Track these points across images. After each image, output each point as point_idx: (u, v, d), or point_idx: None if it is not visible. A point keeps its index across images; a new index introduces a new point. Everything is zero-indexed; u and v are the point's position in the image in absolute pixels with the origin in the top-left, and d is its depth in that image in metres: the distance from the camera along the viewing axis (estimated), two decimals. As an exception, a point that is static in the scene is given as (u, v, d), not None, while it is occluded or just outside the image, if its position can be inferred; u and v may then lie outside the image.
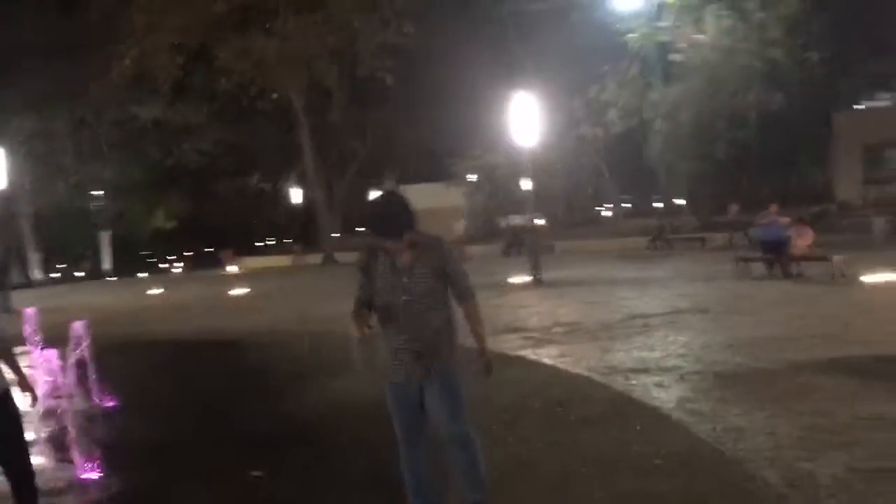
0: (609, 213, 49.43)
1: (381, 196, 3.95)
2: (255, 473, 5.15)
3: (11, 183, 25.50)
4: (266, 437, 6.05)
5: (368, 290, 3.86)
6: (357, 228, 39.99)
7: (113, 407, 7.49)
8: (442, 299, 3.87)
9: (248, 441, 5.99)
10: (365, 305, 3.88)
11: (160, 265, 47.25)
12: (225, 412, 7.09)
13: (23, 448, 4.26)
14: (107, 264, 44.64)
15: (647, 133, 31.53)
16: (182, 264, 44.15)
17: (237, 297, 20.31)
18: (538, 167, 24.07)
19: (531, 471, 4.91)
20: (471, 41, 35.40)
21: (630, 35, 29.50)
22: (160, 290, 25.19)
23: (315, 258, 36.71)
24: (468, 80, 34.84)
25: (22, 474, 4.19)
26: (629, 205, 52.99)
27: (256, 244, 53.76)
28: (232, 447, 5.91)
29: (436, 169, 41.25)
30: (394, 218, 3.74)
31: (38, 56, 34.17)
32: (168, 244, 49.43)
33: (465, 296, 3.94)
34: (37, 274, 40.87)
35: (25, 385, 4.38)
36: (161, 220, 48.66)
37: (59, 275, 43.87)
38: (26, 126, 36.95)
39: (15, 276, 34.69)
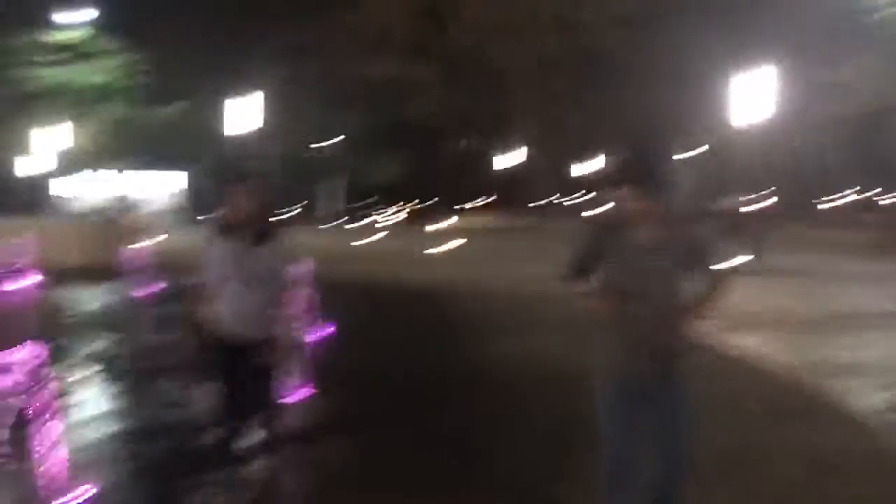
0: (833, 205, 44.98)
1: (641, 141, 3.51)
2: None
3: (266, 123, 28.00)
4: (461, 382, 6.68)
5: (590, 262, 3.25)
6: (565, 198, 39.99)
7: (330, 335, 8.30)
8: (682, 287, 3.22)
9: (446, 384, 6.63)
10: (582, 276, 3.30)
11: (380, 215, 49.65)
12: (431, 356, 7.86)
13: (270, 390, 4.34)
14: (332, 211, 47.88)
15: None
16: (401, 216, 46.11)
17: (450, 251, 21.16)
18: (764, 147, 22.75)
19: (744, 468, 4.70)
20: (697, 10, 33.86)
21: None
22: (379, 237, 26.74)
23: (527, 221, 37.30)
24: (694, 53, 33.47)
25: (262, 406, 4.30)
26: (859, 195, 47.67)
27: (470, 204, 54.98)
28: (433, 387, 6.55)
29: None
30: (652, 169, 3.10)
31: (289, 9, 37.45)
32: (390, 196, 51.74)
33: (714, 277, 3.26)
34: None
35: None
36: (386, 173, 50.81)
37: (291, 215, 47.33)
38: (279, 74, 40.50)
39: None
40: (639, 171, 3.08)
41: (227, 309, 4.14)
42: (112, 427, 5.72)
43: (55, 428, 4.14)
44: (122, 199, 37.70)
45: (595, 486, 3.47)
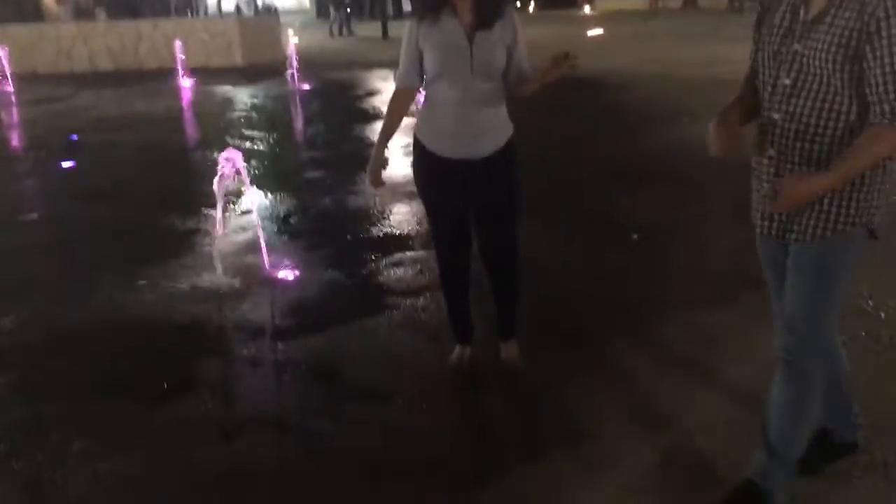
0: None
1: None
2: (634, 236, 5.36)
3: None
4: (624, 173, 6.87)
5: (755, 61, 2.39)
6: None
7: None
8: (845, 106, 2.16)
9: (607, 174, 6.88)
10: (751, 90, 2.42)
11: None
12: (585, 146, 8.09)
13: (514, 215, 3.35)
14: None
15: None
16: (534, 3, 41.12)
17: (593, 38, 20.67)
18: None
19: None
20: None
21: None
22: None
23: (673, 2, 34.75)
24: None
25: (505, 251, 3.41)
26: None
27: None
28: (592, 177, 6.79)
29: None
30: None
31: None
32: None
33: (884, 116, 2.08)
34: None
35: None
36: None
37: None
38: None
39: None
40: None
41: (443, 117, 3.19)
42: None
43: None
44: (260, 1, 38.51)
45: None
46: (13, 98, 13.56)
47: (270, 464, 3.01)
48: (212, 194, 4.82)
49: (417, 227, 5.60)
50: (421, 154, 3.29)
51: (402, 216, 5.92)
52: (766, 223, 2.39)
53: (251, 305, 4.39)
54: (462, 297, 3.55)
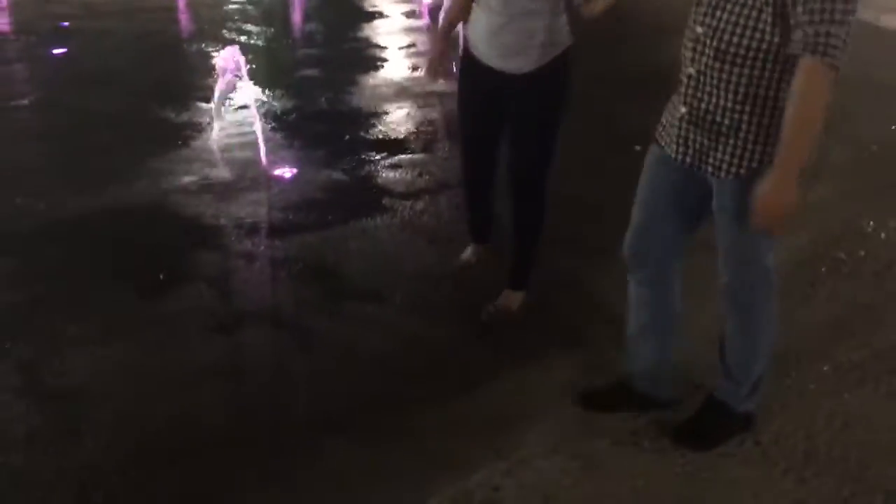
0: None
1: None
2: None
3: None
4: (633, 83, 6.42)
5: None
6: None
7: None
8: (769, 26, 1.98)
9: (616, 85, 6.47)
10: None
11: None
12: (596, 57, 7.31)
13: (547, 141, 3.05)
14: None
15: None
16: None
17: None
18: None
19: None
20: None
21: None
22: None
23: None
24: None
25: (529, 172, 3.11)
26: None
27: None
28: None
29: None
30: None
31: None
32: None
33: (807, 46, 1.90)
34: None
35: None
36: None
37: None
38: None
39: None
40: None
41: (478, 22, 3.00)
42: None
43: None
44: None
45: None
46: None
47: (267, 358, 3.04)
48: (207, 87, 4.70)
49: (417, 130, 5.50)
50: (465, 48, 3.15)
51: (402, 118, 5.81)
52: (682, 148, 2.24)
53: (248, 201, 4.34)
54: (483, 196, 3.40)
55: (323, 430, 2.65)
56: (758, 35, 1.99)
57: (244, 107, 5.72)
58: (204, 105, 5.74)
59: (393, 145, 5.21)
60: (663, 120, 2.34)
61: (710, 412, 2.53)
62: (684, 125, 2.21)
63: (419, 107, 6.02)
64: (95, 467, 2.49)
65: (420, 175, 4.72)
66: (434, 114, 5.89)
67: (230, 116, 5.71)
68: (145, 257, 3.73)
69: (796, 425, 2.56)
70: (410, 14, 10.28)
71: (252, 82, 5.71)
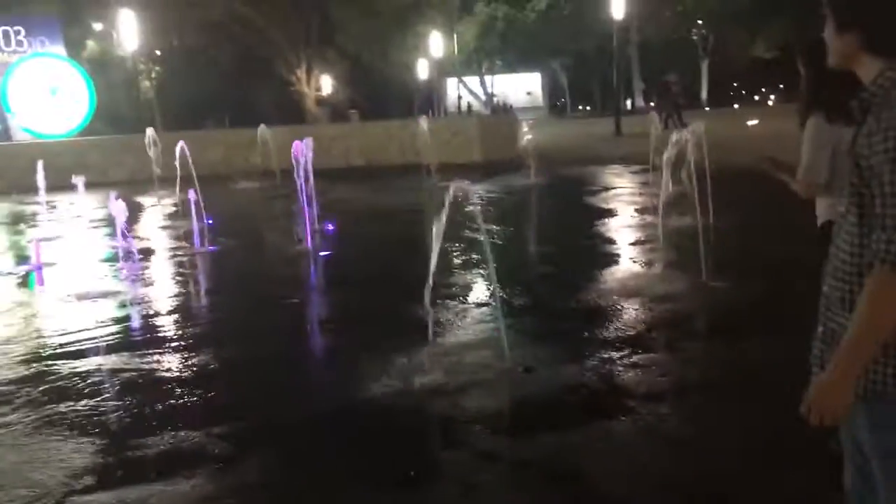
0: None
1: None
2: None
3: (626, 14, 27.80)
4: None
5: None
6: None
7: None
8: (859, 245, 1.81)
9: None
10: None
11: (755, 96, 45.29)
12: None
13: None
14: (703, 94, 44.95)
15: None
16: (775, 96, 41.09)
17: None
18: None
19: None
20: None
21: None
22: (755, 122, 24.76)
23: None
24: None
25: None
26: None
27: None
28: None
29: None
30: None
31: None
32: (764, 74, 46.56)
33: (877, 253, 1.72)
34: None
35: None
36: (760, 50, 45.89)
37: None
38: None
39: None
40: None
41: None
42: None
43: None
44: (497, 99, 41.81)
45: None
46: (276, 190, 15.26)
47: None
48: (452, 285, 4.98)
49: (653, 327, 5.45)
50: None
51: (638, 315, 5.79)
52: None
53: (490, 399, 4.43)
54: None
55: None
56: (857, 249, 1.85)
57: (485, 304, 6.01)
58: (450, 303, 6.11)
59: (631, 343, 5.16)
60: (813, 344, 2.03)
61: None
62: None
63: (654, 304, 5.99)
64: None
65: (662, 375, 4.59)
66: (668, 311, 5.83)
67: (471, 314, 6.00)
68: (394, 453, 3.87)
69: None
70: (642, 210, 10.42)
71: (492, 280, 6.01)
